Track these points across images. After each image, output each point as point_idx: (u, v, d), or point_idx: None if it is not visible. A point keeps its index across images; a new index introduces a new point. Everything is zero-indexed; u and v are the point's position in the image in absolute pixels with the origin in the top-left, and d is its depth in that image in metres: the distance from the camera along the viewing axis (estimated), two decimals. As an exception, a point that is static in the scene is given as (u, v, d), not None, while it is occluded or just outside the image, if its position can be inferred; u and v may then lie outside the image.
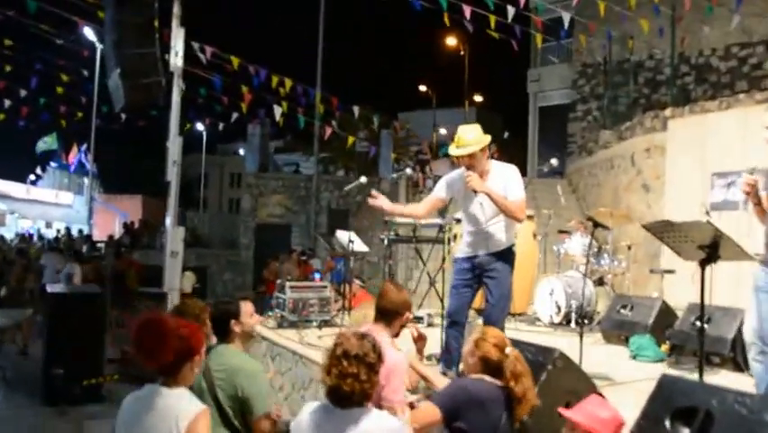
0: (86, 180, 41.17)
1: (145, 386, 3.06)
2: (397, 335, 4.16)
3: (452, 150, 5.50)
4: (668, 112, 12.08)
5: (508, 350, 3.42)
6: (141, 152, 45.99)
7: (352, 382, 2.90)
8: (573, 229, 10.02)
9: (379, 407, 3.67)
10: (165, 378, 3.01)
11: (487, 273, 5.46)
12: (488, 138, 5.43)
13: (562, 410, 3.24)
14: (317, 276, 12.66)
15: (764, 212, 4.62)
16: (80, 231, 30.62)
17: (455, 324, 5.57)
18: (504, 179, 5.41)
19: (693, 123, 10.81)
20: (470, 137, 5.38)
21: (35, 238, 31.78)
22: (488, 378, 3.39)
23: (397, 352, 3.93)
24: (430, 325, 8.59)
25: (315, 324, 8.73)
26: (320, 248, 20.54)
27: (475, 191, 5.29)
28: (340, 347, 2.97)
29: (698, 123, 10.63)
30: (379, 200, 5.61)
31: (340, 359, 2.93)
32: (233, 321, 4.13)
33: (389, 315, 4.08)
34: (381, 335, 3.93)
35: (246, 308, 4.21)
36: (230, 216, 37.27)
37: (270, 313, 9.33)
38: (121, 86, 8.02)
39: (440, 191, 5.74)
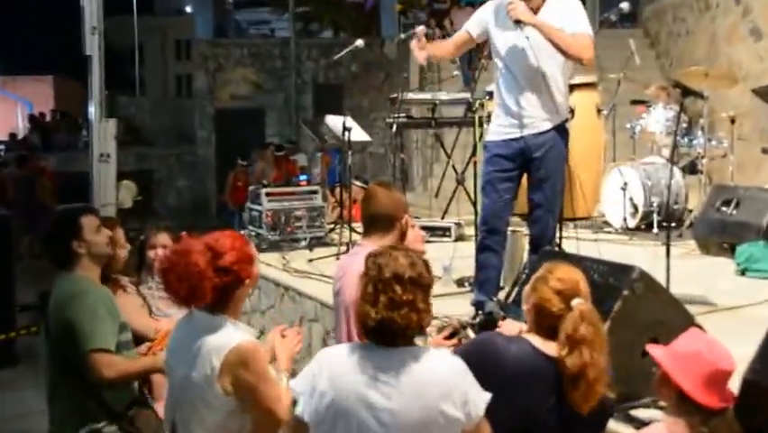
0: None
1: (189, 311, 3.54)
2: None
3: None
4: None
5: (576, 302, 3.15)
6: (49, 15, 45.20)
7: (407, 312, 2.90)
8: (653, 98, 9.86)
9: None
10: (210, 310, 3.44)
11: (534, 163, 5.46)
12: None
13: (651, 348, 3.17)
14: (303, 178, 12.60)
15: None
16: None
17: (492, 233, 5.57)
18: (561, 14, 5.32)
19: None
20: None
21: None
22: (537, 340, 3.20)
23: None
24: (460, 238, 8.61)
25: (303, 243, 8.79)
26: (305, 139, 20.43)
27: (519, 22, 5.20)
28: (387, 269, 2.96)
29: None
30: (420, 45, 5.81)
31: (390, 284, 2.93)
32: (74, 242, 4.24)
33: (383, 222, 4.10)
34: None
35: (89, 222, 4.32)
36: (179, 100, 37.06)
37: (243, 232, 9.34)
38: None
39: (470, 25, 5.73)
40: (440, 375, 2.92)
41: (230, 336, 3.32)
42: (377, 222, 4.11)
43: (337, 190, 10.53)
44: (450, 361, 2.97)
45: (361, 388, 2.89)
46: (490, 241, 5.57)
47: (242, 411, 3.32)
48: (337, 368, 2.96)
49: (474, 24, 5.68)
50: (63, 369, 4.14)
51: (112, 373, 4.03)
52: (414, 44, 5.79)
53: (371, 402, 2.87)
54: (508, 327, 3.57)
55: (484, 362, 3.11)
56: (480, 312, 5.37)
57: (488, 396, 2.93)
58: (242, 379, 3.27)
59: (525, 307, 3.34)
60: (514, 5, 5.18)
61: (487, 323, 4.98)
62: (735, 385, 3.20)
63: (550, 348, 3.15)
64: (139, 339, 4.73)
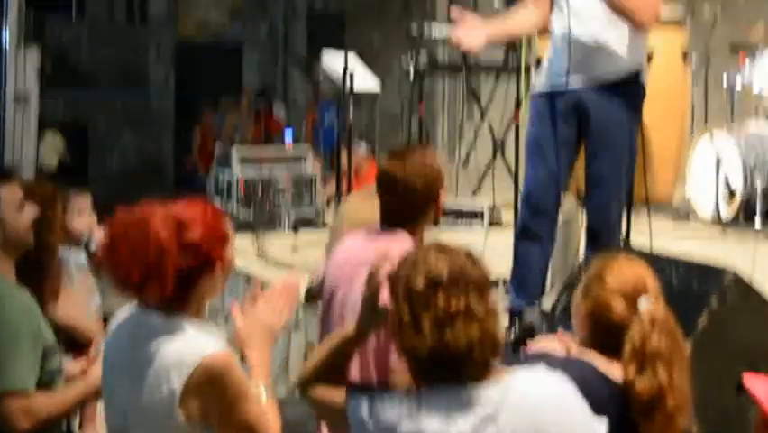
0: None
1: (132, 306, 3.33)
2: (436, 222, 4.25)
3: None
4: None
5: (645, 302, 3.11)
6: None
7: (463, 325, 2.75)
8: (761, 43, 9.81)
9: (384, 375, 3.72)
10: (164, 306, 3.25)
11: (594, 125, 5.47)
12: None
13: (749, 379, 3.12)
14: (290, 137, 12.62)
15: None
16: None
17: (537, 215, 5.60)
18: None
19: None
20: None
21: None
22: (599, 360, 3.14)
23: None
24: (495, 223, 8.58)
25: (286, 224, 8.86)
26: (294, 83, 20.42)
27: None
28: (417, 276, 2.82)
29: None
30: (469, 27, 5.59)
31: (426, 296, 2.78)
32: None
33: (414, 206, 4.04)
34: (404, 238, 3.96)
35: (9, 194, 4.19)
36: (129, 28, 37.04)
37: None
38: None
39: None
40: (549, 412, 2.80)
41: (195, 346, 3.14)
42: (407, 206, 4.08)
43: (332, 155, 10.53)
44: (555, 385, 2.84)
45: None
46: (534, 225, 5.57)
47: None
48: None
49: None
50: None
51: (30, 423, 3.84)
52: (458, 32, 5.61)
53: None
54: (544, 342, 3.52)
55: None
56: (516, 321, 5.36)
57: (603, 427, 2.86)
58: (213, 402, 3.13)
59: (575, 317, 3.29)
60: None
61: (525, 337, 4.96)
62: None
63: (615, 372, 3.11)
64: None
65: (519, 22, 6.00)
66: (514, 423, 2.71)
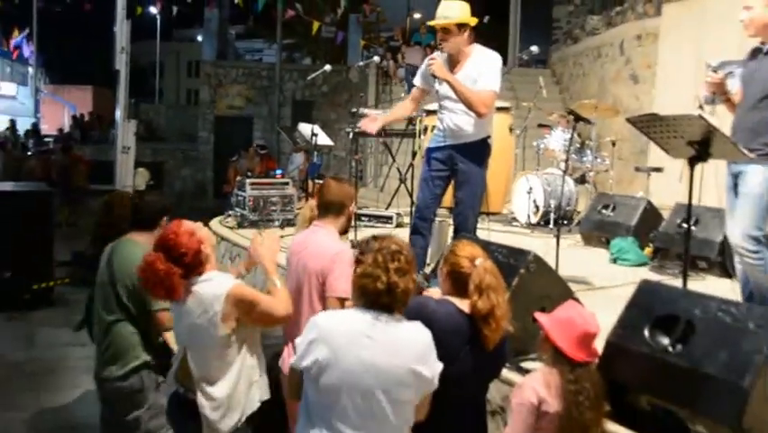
0: (30, 70, 40.06)
1: None
2: (345, 231, 4.18)
3: (431, 22, 5.47)
4: (662, -6, 11.77)
5: (479, 261, 3.16)
6: (91, 38, 44.53)
7: (408, 280, 2.89)
8: (554, 123, 9.90)
9: (323, 301, 3.75)
10: (197, 273, 3.44)
11: (456, 167, 5.45)
12: (471, 19, 5.35)
13: (537, 315, 3.18)
14: (279, 172, 12.55)
15: (734, 106, 4.61)
16: (35, 125, 29.99)
17: (422, 220, 5.57)
18: (480, 67, 5.32)
19: (690, 7, 10.53)
20: (451, 12, 5.32)
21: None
22: (456, 301, 3.17)
23: (345, 244, 4.00)
24: (399, 225, 8.56)
25: (276, 223, 8.71)
26: (283, 142, 20.30)
27: (435, 77, 5.28)
28: (391, 245, 2.94)
29: (695, 6, 10.36)
30: (371, 120, 5.67)
31: (396, 255, 2.90)
32: (164, 218, 4.39)
33: (335, 208, 4.07)
34: (329, 229, 3.99)
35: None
36: (188, 107, 36.66)
37: (231, 212, 9.28)
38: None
39: (418, 81, 5.74)
40: (422, 343, 2.87)
41: (221, 286, 3.35)
42: (330, 207, 4.08)
43: (304, 183, 10.49)
44: (428, 333, 2.92)
45: (367, 356, 2.77)
46: (420, 226, 5.55)
47: (246, 329, 3.41)
48: (341, 336, 2.81)
49: (421, 79, 5.68)
50: (126, 316, 4.23)
51: (167, 327, 4.11)
52: (363, 123, 5.75)
53: (372, 366, 2.77)
54: (430, 292, 3.53)
55: (426, 318, 3.03)
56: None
57: (441, 366, 2.89)
58: (241, 311, 3.33)
59: (440, 276, 3.31)
60: (433, 63, 5.27)
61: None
62: (600, 345, 3.22)
63: (465, 306, 3.12)
64: None
65: (401, 112, 6.16)
66: (405, 346, 2.81)
